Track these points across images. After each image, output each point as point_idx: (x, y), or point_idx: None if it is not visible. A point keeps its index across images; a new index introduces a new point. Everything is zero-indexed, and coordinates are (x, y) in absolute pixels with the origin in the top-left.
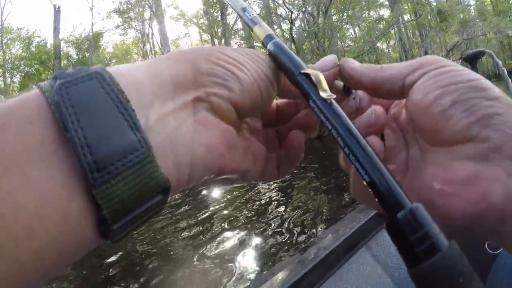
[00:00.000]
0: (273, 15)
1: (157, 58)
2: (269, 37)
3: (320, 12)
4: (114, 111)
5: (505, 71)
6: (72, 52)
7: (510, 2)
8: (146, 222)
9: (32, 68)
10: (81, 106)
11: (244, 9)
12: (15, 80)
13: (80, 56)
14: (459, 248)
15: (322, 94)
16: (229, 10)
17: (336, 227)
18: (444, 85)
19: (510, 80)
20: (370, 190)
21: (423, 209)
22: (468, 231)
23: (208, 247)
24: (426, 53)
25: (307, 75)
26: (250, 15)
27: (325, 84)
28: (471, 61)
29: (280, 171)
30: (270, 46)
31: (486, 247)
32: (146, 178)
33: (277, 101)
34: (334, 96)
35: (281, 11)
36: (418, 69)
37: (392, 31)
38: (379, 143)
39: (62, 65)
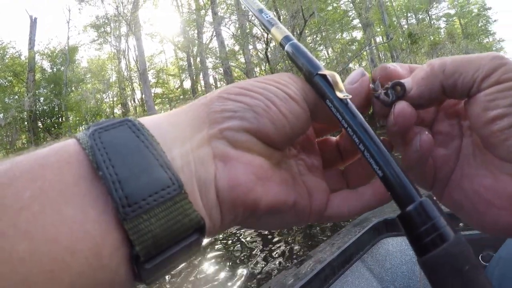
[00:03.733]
0: (248, 35)
1: (177, 108)
2: (286, 39)
3: (295, 34)
4: (144, 151)
5: None
6: (46, 65)
7: (479, 25)
8: (182, 263)
9: (5, 81)
10: (113, 148)
11: (261, 11)
12: None
13: (55, 69)
14: (465, 240)
15: (339, 94)
16: (205, 29)
17: (332, 241)
18: (506, 105)
19: None
20: (383, 184)
21: (431, 203)
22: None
23: (201, 259)
24: None
25: (324, 76)
26: (267, 17)
27: (341, 85)
28: None
29: (350, 210)
30: (287, 47)
31: (480, 258)
32: (179, 215)
33: (336, 138)
34: (350, 96)
35: (256, 30)
36: (489, 75)
37: (364, 53)
38: (429, 140)
39: (36, 78)
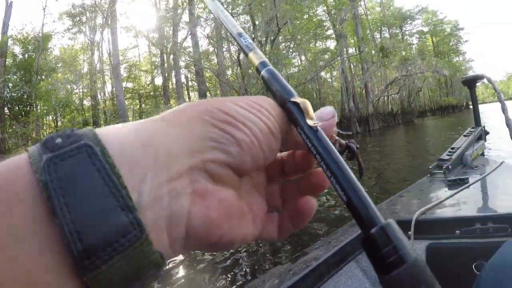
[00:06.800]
0: (223, 38)
1: (149, 120)
2: (262, 64)
3: (269, 40)
4: (105, 191)
5: (502, 95)
6: (18, 51)
7: (450, 44)
8: None
9: None
10: (69, 187)
11: (240, 35)
12: None
13: (26, 56)
14: (424, 262)
15: (309, 121)
16: (180, 27)
17: (328, 239)
18: None
19: (506, 105)
20: (347, 208)
21: (392, 227)
22: None
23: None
24: (365, 86)
25: (296, 103)
26: (246, 41)
27: (311, 112)
28: (470, 84)
29: (281, 232)
30: (263, 72)
31: (473, 267)
32: (139, 259)
33: (282, 154)
34: (320, 123)
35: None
36: None
37: (337, 63)
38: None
39: (6, 64)
